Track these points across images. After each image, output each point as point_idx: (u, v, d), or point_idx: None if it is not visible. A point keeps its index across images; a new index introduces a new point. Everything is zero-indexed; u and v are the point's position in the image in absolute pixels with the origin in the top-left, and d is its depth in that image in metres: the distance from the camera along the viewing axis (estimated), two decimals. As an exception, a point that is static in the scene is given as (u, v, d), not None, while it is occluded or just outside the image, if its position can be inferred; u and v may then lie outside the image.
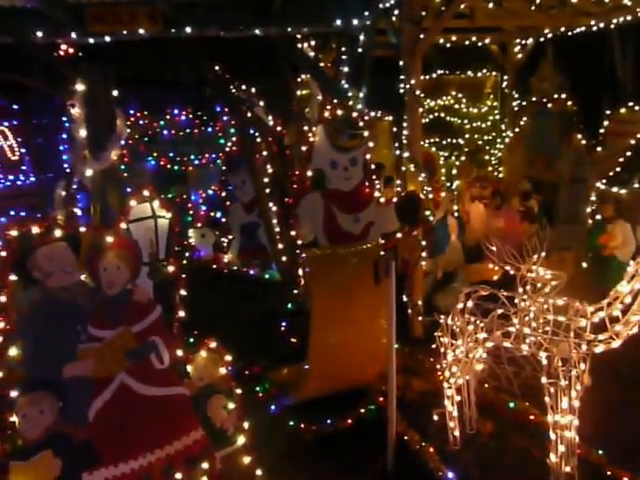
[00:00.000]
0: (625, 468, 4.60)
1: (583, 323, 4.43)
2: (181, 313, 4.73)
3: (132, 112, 11.55)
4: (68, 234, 4.27)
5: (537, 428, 5.03)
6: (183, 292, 4.71)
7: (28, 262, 4.13)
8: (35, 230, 4.18)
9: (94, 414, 4.31)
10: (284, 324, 7.37)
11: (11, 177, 11.22)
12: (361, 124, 6.81)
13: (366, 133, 6.86)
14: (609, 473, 4.61)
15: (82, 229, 4.39)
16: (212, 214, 10.78)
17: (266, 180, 8.27)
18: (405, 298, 7.38)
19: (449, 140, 12.44)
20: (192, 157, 12.21)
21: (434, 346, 5.55)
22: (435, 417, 5.27)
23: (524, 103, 11.75)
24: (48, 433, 4.16)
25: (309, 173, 7.00)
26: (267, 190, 8.30)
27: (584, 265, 8.44)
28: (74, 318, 4.25)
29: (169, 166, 12.04)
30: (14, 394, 4.07)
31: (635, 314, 4.30)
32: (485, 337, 4.89)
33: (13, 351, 4.08)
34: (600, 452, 4.77)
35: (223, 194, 10.16)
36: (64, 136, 10.28)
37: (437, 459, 4.76)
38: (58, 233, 4.24)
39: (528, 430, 5.14)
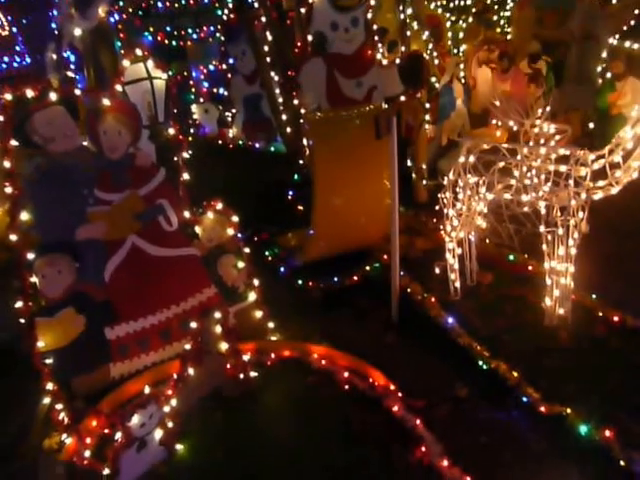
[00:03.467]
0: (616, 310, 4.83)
1: (584, 172, 4.48)
2: (185, 175, 4.81)
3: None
4: (64, 98, 4.26)
5: (535, 278, 5.22)
6: (185, 154, 4.76)
7: (26, 127, 4.16)
8: (30, 94, 4.15)
9: (110, 274, 4.56)
10: (291, 193, 7.49)
11: (6, 59, 10.99)
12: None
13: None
14: (600, 314, 4.84)
15: (77, 92, 4.36)
16: (214, 90, 10.60)
17: (266, 48, 8.04)
18: (409, 163, 7.41)
19: (456, 1, 11.85)
20: (190, 31, 11.80)
21: (437, 208, 5.67)
22: (437, 270, 5.48)
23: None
24: (69, 292, 4.41)
25: (309, 37, 6.81)
26: (268, 59, 8.09)
27: (591, 125, 8.33)
28: (80, 182, 4.36)
29: (167, 41, 11.68)
30: (31, 256, 4.26)
31: (636, 160, 4.32)
32: (486, 190, 4.95)
33: (25, 216, 4.20)
34: (593, 296, 4.98)
35: (224, 67, 9.92)
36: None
37: (438, 308, 5.01)
38: (53, 97, 4.23)
39: (526, 280, 5.34)
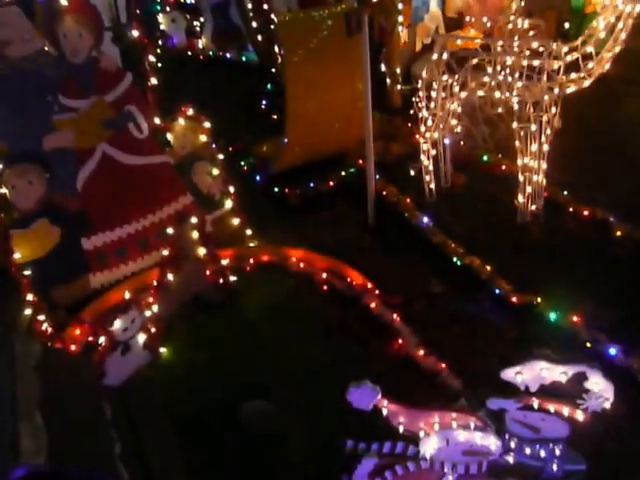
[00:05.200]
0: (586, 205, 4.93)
1: (557, 65, 4.44)
2: (153, 80, 4.67)
3: None
4: (18, -3, 4.06)
5: (508, 177, 5.25)
6: (152, 58, 4.61)
7: (-21, 30, 3.97)
8: (-19, -6, 3.95)
9: (82, 184, 4.50)
10: (264, 103, 7.34)
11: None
12: None
13: None
14: (571, 209, 4.94)
15: (32, -9, 4.15)
16: (181, -2, 10.12)
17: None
18: (383, 68, 7.26)
19: None
20: None
21: (412, 112, 5.62)
22: (412, 172, 5.49)
23: None
24: (41, 203, 4.36)
25: None
26: (233, -38, 7.72)
27: (566, 25, 8.18)
28: (43, 88, 4.23)
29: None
30: (-1, 167, 4.17)
31: (609, 50, 4.29)
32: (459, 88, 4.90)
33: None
34: (565, 193, 5.06)
35: (189, -28, 9.45)
36: None
37: (413, 209, 5.07)
38: (7, -5, 4.03)
39: (500, 180, 5.38)
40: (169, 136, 4.77)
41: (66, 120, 4.32)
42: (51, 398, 1.81)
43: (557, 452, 2.45)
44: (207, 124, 4.82)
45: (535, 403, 2.37)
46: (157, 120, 4.68)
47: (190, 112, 4.76)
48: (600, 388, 2.29)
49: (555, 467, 2.47)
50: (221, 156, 4.97)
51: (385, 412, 2.41)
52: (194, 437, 3.40)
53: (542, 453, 2.47)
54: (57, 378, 1.96)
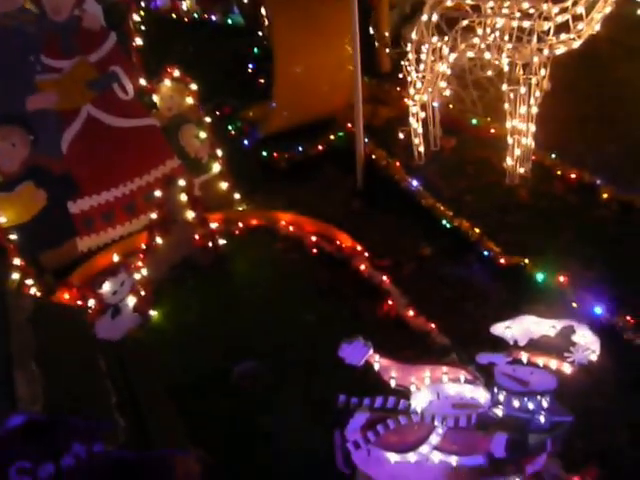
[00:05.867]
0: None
1: (546, 26, 4.41)
2: (138, 41, 4.58)
3: None
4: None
5: (497, 141, 5.25)
6: (136, 17, 4.51)
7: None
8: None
9: (67, 146, 4.45)
10: (251, 67, 7.23)
11: None
12: None
13: None
14: (559, 173, 4.96)
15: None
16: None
17: None
18: (372, 31, 7.15)
19: None
20: None
21: (401, 76, 5.57)
22: (401, 136, 5.47)
23: None
24: (26, 166, 4.31)
25: None
26: None
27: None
28: (25, 48, 4.14)
29: None
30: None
31: (599, 11, 4.27)
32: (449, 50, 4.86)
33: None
34: (553, 156, 5.07)
35: None
36: None
37: (403, 172, 5.06)
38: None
39: (489, 143, 5.37)
40: (155, 98, 4.70)
41: (49, 81, 4.24)
42: (45, 349, 1.81)
43: (544, 404, 2.50)
44: (194, 86, 4.75)
45: (524, 357, 2.41)
46: (142, 81, 4.61)
47: (176, 73, 4.68)
48: (587, 341, 2.34)
49: (542, 419, 2.52)
50: (208, 119, 4.91)
51: (377, 367, 2.44)
52: (185, 399, 3.43)
53: (530, 405, 2.51)
54: (51, 329, 1.95)
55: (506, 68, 4.60)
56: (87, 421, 1.75)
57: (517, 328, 2.34)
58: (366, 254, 4.39)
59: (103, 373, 1.96)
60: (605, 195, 4.68)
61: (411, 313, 3.89)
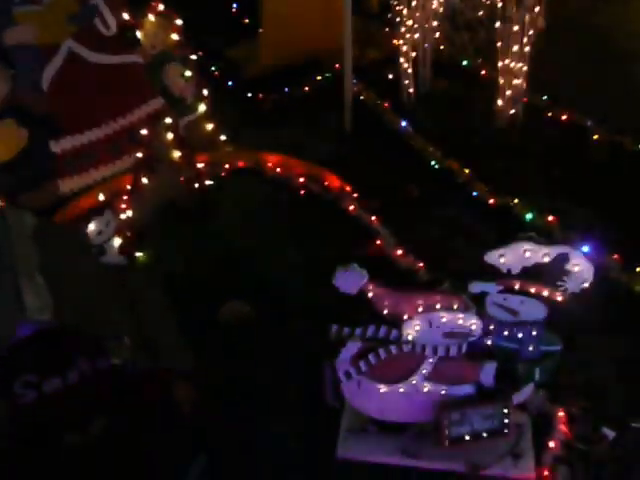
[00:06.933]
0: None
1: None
2: (119, -29, 4.39)
3: None
4: None
5: (488, 83, 5.16)
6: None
7: None
8: None
9: (48, 83, 4.29)
10: (235, 6, 7.00)
11: None
12: None
13: None
14: (550, 114, 4.92)
15: None
16: None
17: None
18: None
19: None
20: None
21: (390, 16, 5.44)
22: (390, 77, 5.37)
23: None
24: (6, 103, 4.15)
25: None
26: None
27: None
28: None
29: None
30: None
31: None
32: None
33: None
34: (544, 97, 5.02)
35: None
36: None
37: (392, 113, 4.98)
38: None
39: (479, 85, 5.29)
40: (138, 34, 4.52)
41: (29, 13, 4.06)
42: (49, 263, 1.79)
43: (534, 333, 2.52)
44: (179, 21, 4.58)
45: (516, 286, 2.41)
46: (125, 16, 4.42)
47: (161, 7, 4.50)
48: (581, 269, 2.34)
49: (532, 348, 2.55)
50: (193, 56, 4.76)
51: (370, 295, 2.43)
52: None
53: (520, 335, 2.54)
54: (53, 245, 1.92)
55: (500, 4, 4.49)
56: (93, 333, 1.73)
57: (511, 255, 2.34)
58: (354, 195, 4.35)
59: (107, 288, 1.94)
60: (596, 137, 4.66)
61: (400, 252, 3.88)
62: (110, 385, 1.83)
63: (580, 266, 2.33)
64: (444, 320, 2.43)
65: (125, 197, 4.16)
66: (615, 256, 3.67)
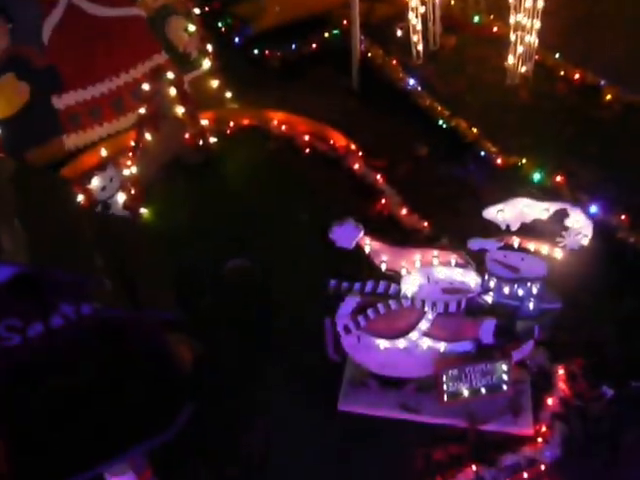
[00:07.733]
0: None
1: None
2: None
3: None
4: None
5: (499, 40, 5.02)
6: None
7: None
8: None
9: (48, 37, 4.25)
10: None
11: None
12: None
13: None
14: (562, 73, 4.79)
15: None
16: None
17: None
18: None
19: None
20: None
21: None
22: (399, 33, 5.24)
23: None
24: (6, 57, 4.11)
25: None
26: None
27: None
28: None
29: None
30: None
31: None
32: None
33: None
34: (556, 55, 4.89)
35: None
36: None
37: (400, 71, 4.87)
38: None
39: (490, 42, 5.16)
40: (140, -14, 4.44)
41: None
42: (28, 209, 1.76)
43: (534, 291, 2.49)
44: (182, -27, 4.49)
45: (515, 242, 2.38)
46: (126, -33, 4.34)
47: (163, -41, 4.41)
48: (579, 225, 2.30)
49: (531, 305, 2.53)
50: (197, 10, 4.67)
51: (368, 250, 2.41)
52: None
53: (520, 292, 2.51)
54: (34, 192, 1.89)
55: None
56: (72, 275, 1.72)
57: (510, 211, 2.30)
58: (360, 153, 4.29)
59: (88, 235, 1.92)
60: (608, 96, 4.55)
61: (404, 211, 3.85)
62: (95, 331, 1.83)
63: (579, 222, 2.29)
64: (442, 275, 2.41)
65: (129, 153, 4.13)
66: (623, 217, 3.60)
